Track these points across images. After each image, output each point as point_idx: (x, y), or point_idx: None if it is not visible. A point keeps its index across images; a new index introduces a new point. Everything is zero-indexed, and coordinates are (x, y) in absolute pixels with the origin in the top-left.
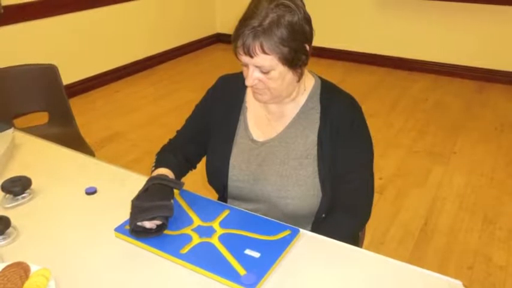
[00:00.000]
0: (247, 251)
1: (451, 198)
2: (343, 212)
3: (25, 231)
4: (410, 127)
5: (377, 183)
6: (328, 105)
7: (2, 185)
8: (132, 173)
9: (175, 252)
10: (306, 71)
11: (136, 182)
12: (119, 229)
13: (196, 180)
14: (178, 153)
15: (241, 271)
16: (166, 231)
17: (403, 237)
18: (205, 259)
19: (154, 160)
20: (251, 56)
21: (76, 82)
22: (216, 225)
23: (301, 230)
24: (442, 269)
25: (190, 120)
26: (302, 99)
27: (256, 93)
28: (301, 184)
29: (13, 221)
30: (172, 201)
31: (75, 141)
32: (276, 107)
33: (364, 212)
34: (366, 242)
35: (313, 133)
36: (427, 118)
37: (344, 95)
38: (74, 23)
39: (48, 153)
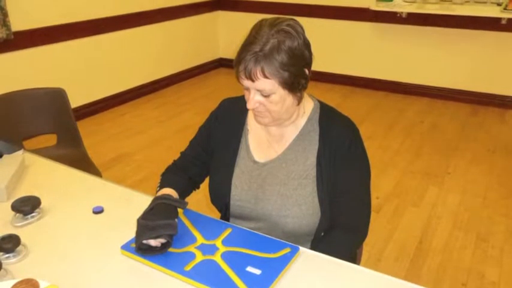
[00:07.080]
0: (249, 268)
1: (445, 217)
2: (342, 230)
3: (34, 249)
4: (406, 148)
5: (374, 202)
6: (327, 128)
7: (12, 204)
8: (138, 192)
9: (179, 269)
10: (305, 95)
11: (142, 201)
12: (125, 247)
13: (199, 199)
14: (183, 174)
15: None
16: (170, 249)
17: (399, 254)
18: (208, 276)
19: (159, 180)
20: (252, 80)
21: (84, 105)
22: (218, 243)
23: (300, 247)
24: (437, 286)
25: (194, 142)
26: (302, 121)
27: (257, 116)
28: (300, 204)
29: (23, 239)
30: (176, 220)
31: (82, 163)
32: (277, 129)
33: (361, 230)
34: (363, 259)
35: (313, 154)
36: (423, 140)
37: (342, 117)
38: (82, 49)
39: (57, 174)
